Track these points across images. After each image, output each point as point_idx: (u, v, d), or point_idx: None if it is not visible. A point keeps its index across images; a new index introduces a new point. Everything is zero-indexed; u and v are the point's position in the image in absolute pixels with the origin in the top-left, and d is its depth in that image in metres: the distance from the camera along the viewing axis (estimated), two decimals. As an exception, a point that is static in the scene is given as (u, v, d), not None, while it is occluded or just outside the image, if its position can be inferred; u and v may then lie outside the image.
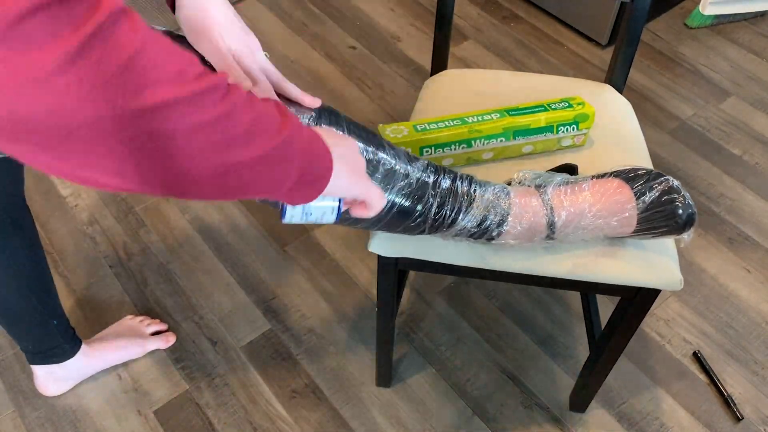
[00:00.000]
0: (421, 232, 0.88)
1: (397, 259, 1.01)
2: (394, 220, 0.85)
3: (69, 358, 1.27)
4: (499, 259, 0.95)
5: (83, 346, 1.29)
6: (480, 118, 1.00)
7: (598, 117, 1.11)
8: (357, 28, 2.13)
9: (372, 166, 0.81)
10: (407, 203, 0.84)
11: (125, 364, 1.38)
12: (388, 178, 0.82)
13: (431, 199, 0.85)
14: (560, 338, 1.43)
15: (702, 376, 1.38)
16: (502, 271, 0.96)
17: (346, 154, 0.67)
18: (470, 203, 0.87)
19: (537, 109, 1.01)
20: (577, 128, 1.03)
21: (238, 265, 1.54)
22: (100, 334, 1.37)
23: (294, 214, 0.68)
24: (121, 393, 1.34)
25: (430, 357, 1.40)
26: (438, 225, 0.87)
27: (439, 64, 1.23)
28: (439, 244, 0.96)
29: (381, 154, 0.82)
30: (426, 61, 2.02)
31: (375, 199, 0.72)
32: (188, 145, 0.50)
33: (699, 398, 1.35)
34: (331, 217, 0.71)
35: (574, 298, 1.50)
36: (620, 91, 1.19)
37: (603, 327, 1.37)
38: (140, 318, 1.41)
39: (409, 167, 0.84)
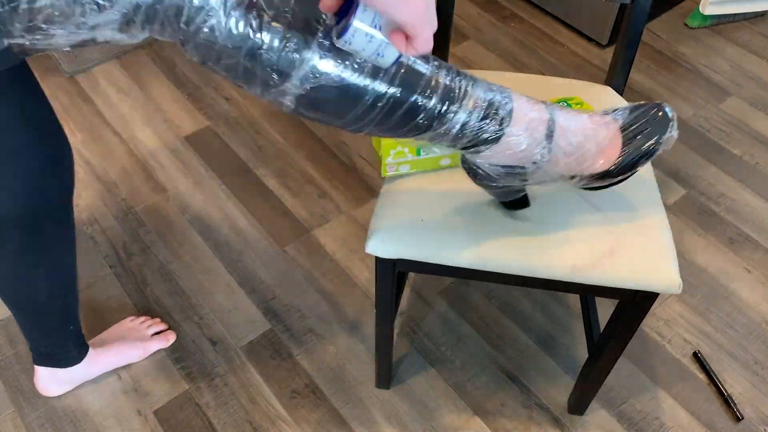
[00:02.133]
0: (416, 130, 0.79)
1: (395, 260, 1.00)
2: (388, 112, 0.76)
3: (75, 365, 1.27)
4: (498, 261, 0.95)
5: (89, 353, 1.29)
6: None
7: (599, 117, 1.11)
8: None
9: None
10: (400, 91, 0.74)
11: (126, 365, 1.38)
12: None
13: (426, 90, 0.76)
14: (560, 338, 1.43)
15: (702, 376, 1.38)
16: (502, 272, 0.96)
17: None
18: (465, 96, 0.78)
19: (537, 110, 1.01)
20: (578, 129, 1.02)
21: (238, 265, 1.54)
22: (102, 336, 1.37)
23: (356, 33, 0.63)
24: (121, 393, 1.34)
25: (430, 357, 1.40)
26: (433, 118, 0.78)
27: (439, 64, 1.23)
28: (436, 245, 0.96)
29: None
30: (426, 60, 2.02)
31: (425, 33, 0.64)
32: None
33: (699, 398, 1.35)
34: (386, 56, 0.66)
35: (574, 298, 1.50)
36: (621, 92, 1.19)
37: (602, 329, 1.38)
38: (141, 319, 1.41)
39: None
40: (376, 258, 1.00)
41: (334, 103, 0.73)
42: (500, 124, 0.80)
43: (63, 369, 1.27)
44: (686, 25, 2.14)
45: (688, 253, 1.58)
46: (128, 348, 1.35)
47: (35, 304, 1.12)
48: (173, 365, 1.38)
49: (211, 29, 0.66)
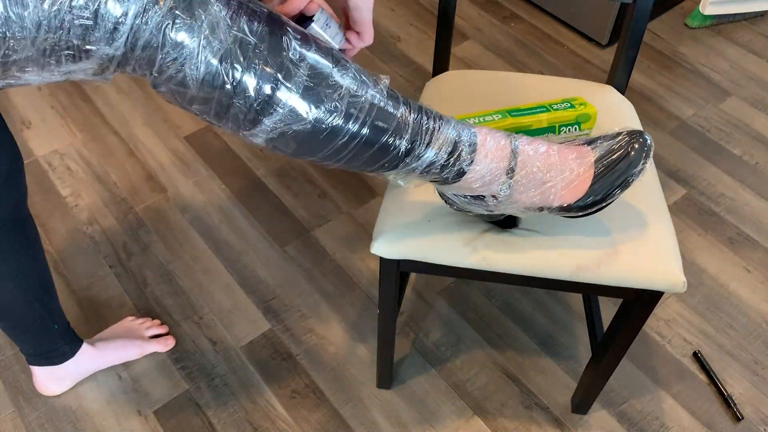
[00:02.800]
0: (385, 167, 0.81)
1: (399, 261, 1.01)
2: (359, 151, 0.78)
3: (69, 359, 1.27)
4: (501, 261, 0.95)
5: (83, 346, 1.29)
6: (482, 119, 0.99)
7: (600, 118, 1.11)
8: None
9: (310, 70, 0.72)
10: (371, 132, 0.76)
11: (125, 365, 1.38)
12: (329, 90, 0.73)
13: (397, 131, 0.78)
14: (560, 338, 1.43)
15: (702, 376, 1.38)
16: (505, 273, 0.96)
17: None
18: (433, 136, 0.80)
19: (539, 110, 1.01)
20: (579, 129, 1.02)
21: (238, 265, 1.54)
22: (100, 335, 1.37)
23: (320, 18, 0.76)
24: (121, 393, 1.34)
25: (431, 357, 1.40)
26: (402, 157, 0.80)
27: (440, 64, 1.23)
28: (440, 246, 0.96)
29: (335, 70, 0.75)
30: (426, 60, 2.02)
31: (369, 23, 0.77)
32: None
33: (699, 398, 1.35)
34: (337, 39, 0.80)
35: (574, 298, 1.50)
36: (622, 92, 1.19)
37: (605, 328, 1.38)
38: (141, 320, 1.41)
39: (368, 90, 0.76)
40: (381, 259, 1.00)
41: (306, 142, 0.74)
42: (463, 163, 0.82)
43: (57, 366, 1.27)
44: (686, 25, 2.14)
45: (688, 253, 1.58)
46: (126, 345, 1.35)
47: (11, 312, 1.13)
48: (173, 365, 1.38)
49: (184, 78, 0.66)
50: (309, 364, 1.39)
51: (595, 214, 0.97)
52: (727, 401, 1.34)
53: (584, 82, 1.19)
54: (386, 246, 0.97)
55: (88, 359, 1.31)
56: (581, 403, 1.29)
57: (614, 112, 1.14)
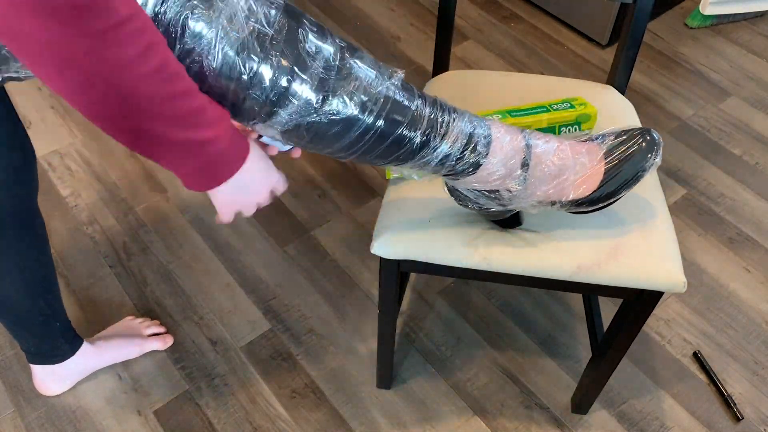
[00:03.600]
0: (399, 160, 0.81)
1: (399, 261, 1.01)
2: (373, 144, 0.78)
3: (69, 358, 1.27)
4: (502, 262, 0.95)
5: (83, 345, 1.29)
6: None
7: (600, 118, 1.11)
8: (357, 28, 2.13)
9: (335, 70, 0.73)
10: (387, 125, 0.77)
11: (125, 365, 1.38)
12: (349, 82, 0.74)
13: (412, 124, 0.78)
14: (560, 338, 1.43)
15: (702, 376, 1.38)
16: (506, 273, 0.96)
17: (247, 180, 0.75)
18: (447, 128, 0.81)
19: (539, 110, 1.01)
20: (579, 129, 1.03)
21: (238, 265, 1.54)
22: (100, 334, 1.37)
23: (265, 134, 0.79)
24: (121, 393, 1.34)
25: (431, 357, 1.40)
26: (417, 150, 0.80)
27: (440, 64, 1.23)
28: (441, 246, 0.96)
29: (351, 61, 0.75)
30: (426, 60, 2.02)
31: (223, 215, 0.80)
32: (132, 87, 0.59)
33: (699, 398, 1.35)
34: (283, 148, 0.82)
35: (574, 298, 1.50)
36: (623, 92, 1.19)
37: (605, 328, 1.38)
38: (140, 319, 1.41)
39: (383, 82, 0.76)
40: (381, 259, 1.00)
41: (321, 134, 0.74)
42: (478, 156, 0.82)
43: (58, 365, 1.27)
44: (686, 25, 2.14)
45: (688, 253, 1.58)
46: (125, 344, 1.35)
47: (13, 309, 1.13)
48: (173, 365, 1.38)
49: (200, 69, 0.67)
50: (309, 364, 1.39)
51: (597, 212, 0.97)
52: (727, 401, 1.34)
53: (584, 82, 1.19)
54: (386, 246, 0.97)
55: (88, 358, 1.31)
56: (581, 403, 1.29)
57: (614, 112, 1.14)
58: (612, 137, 0.88)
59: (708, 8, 2.03)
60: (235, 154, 0.72)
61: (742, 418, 1.32)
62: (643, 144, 0.86)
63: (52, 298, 1.17)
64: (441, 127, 0.80)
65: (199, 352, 1.40)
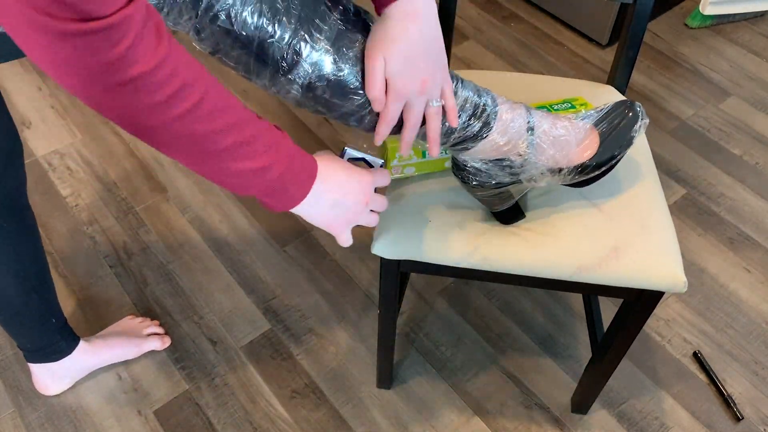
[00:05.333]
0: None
1: (399, 261, 1.01)
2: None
3: (67, 356, 1.27)
4: (502, 262, 0.95)
5: (80, 343, 1.29)
6: None
7: (599, 117, 1.11)
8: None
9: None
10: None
11: (125, 364, 1.38)
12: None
13: None
14: (560, 338, 1.43)
15: (702, 376, 1.38)
16: (506, 273, 0.96)
17: (331, 197, 0.77)
18: (456, 94, 0.82)
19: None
20: (579, 129, 1.02)
21: (238, 265, 1.54)
22: (99, 333, 1.37)
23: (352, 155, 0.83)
24: (121, 393, 1.34)
25: (431, 357, 1.40)
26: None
27: (439, 64, 1.23)
28: (441, 246, 0.96)
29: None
30: (426, 60, 2.02)
31: (340, 236, 0.81)
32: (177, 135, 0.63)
33: (699, 398, 1.35)
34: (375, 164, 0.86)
35: (574, 298, 1.50)
36: (623, 92, 1.19)
37: (605, 328, 1.38)
38: (140, 319, 1.41)
39: None
40: (381, 259, 1.00)
41: (341, 90, 0.76)
42: (486, 123, 0.84)
43: (55, 363, 1.27)
44: (686, 25, 2.14)
45: (688, 253, 1.58)
46: (123, 343, 1.35)
47: (9, 303, 1.12)
48: (173, 365, 1.38)
49: (228, 17, 0.68)
50: (309, 364, 1.39)
51: (599, 213, 0.97)
52: (727, 401, 1.34)
53: (584, 82, 1.19)
54: (387, 246, 0.97)
55: (86, 356, 1.31)
56: (581, 403, 1.29)
57: (614, 112, 1.14)
58: (593, 114, 0.93)
59: (708, 8, 2.03)
60: (301, 176, 0.73)
61: (742, 418, 1.32)
62: (626, 111, 0.91)
63: (46, 292, 1.17)
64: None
65: (199, 352, 1.40)
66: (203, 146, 0.64)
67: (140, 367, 1.38)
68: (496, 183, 0.90)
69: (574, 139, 0.89)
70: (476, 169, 0.89)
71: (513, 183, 0.91)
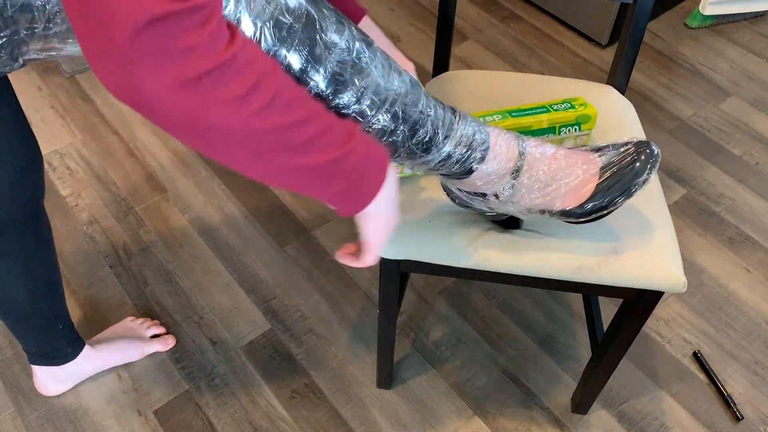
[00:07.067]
0: (397, 156, 0.82)
1: (399, 261, 1.01)
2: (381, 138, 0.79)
3: (71, 361, 1.27)
4: (502, 262, 0.95)
5: (85, 349, 1.29)
6: (482, 119, 0.99)
7: (600, 118, 1.11)
8: (357, 28, 2.12)
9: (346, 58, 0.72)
10: (388, 119, 0.77)
11: (126, 365, 1.37)
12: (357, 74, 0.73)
13: (419, 122, 0.79)
14: (560, 338, 1.43)
15: (702, 376, 1.38)
16: (506, 273, 0.96)
17: (393, 193, 0.73)
18: (451, 130, 0.81)
19: (539, 110, 1.01)
20: (580, 129, 1.02)
21: (238, 265, 1.54)
22: (101, 335, 1.37)
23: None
24: (121, 393, 1.34)
25: (430, 357, 1.40)
26: (422, 148, 0.81)
27: (440, 64, 1.23)
28: (441, 246, 0.96)
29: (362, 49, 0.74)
30: (426, 61, 2.02)
31: (372, 253, 0.77)
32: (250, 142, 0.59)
33: (699, 398, 1.35)
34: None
35: (574, 298, 1.50)
36: (622, 92, 1.19)
37: (605, 328, 1.38)
38: (141, 320, 1.41)
39: (395, 81, 0.76)
40: (381, 259, 1.00)
41: None
42: (474, 161, 0.83)
43: (59, 367, 1.27)
44: (686, 25, 2.14)
45: (688, 253, 1.58)
46: (126, 347, 1.35)
47: (17, 310, 1.12)
48: (173, 365, 1.38)
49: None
50: (309, 364, 1.39)
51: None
52: (727, 401, 1.34)
53: (584, 82, 1.19)
54: (387, 246, 0.97)
55: (90, 361, 1.31)
56: (581, 403, 1.29)
57: (614, 112, 1.14)
58: (610, 150, 0.87)
59: (708, 8, 2.03)
60: (376, 164, 0.70)
61: (742, 418, 1.32)
62: (642, 157, 0.85)
63: (56, 300, 1.16)
64: (445, 128, 0.80)
65: (199, 352, 1.40)
66: (282, 143, 0.60)
67: (140, 367, 1.38)
68: (478, 209, 0.91)
69: (563, 187, 0.85)
70: (455, 194, 0.90)
71: (490, 211, 0.91)
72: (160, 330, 1.41)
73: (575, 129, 1.02)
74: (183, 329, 1.43)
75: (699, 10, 2.08)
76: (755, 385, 1.37)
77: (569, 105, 1.02)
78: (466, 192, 0.88)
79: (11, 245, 1.03)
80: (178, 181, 1.69)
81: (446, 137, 0.80)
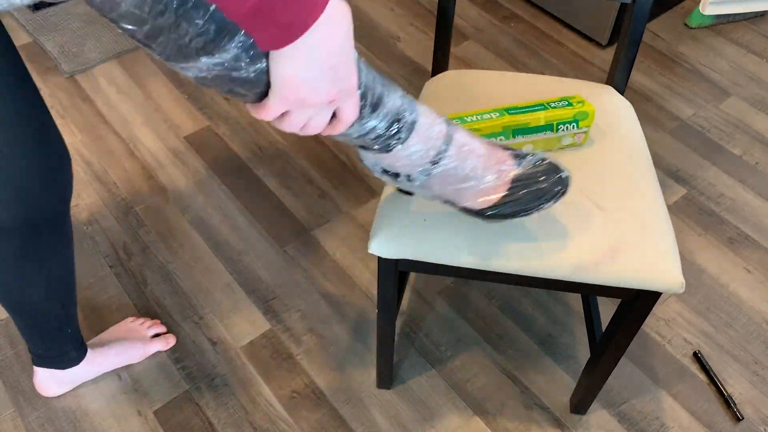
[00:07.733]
0: None
1: (397, 260, 1.01)
2: None
3: (74, 365, 1.27)
4: (501, 261, 0.95)
5: (88, 354, 1.29)
6: (479, 117, 1.00)
7: (599, 117, 1.11)
8: (357, 28, 2.13)
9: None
10: None
11: (125, 365, 1.38)
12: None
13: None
14: (560, 338, 1.43)
15: (702, 376, 1.38)
16: (504, 272, 0.96)
17: (324, 44, 0.59)
18: (380, 102, 0.76)
19: (536, 108, 1.01)
20: (577, 126, 1.02)
21: (238, 265, 1.54)
22: (102, 336, 1.37)
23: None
24: (121, 393, 1.34)
25: (430, 357, 1.40)
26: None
27: (440, 64, 1.23)
28: (440, 245, 0.96)
29: None
30: (426, 60, 2.02)
31: (349, 108, 0.69)
32: None
33: (699, 398, 1.35)
34: None
35: (574, 298, 1.50)
36: (622, 92, 1.19)
37: (604, 328, 1.38)
38: (141, 320, 1.41)
39: None
40: (379, 258, 1.00)
41: (247, 86, 0.67)
42: (398, 140, 0.80)
43: (62, 370, 1.27)
44: (686, 25, 2.14)
45: (688, 253, 1.58)
46: (128, 348, 1.35)
47: (32, 311, 1.12)
48: (173, 365, 1.38)
49: None
50: (309, 364, 1.39)
51: (597, 213, 0.97)
52: (727, 401, 1.34)
53: (584, 82, 1.19)
54: (384, 245, 0.97)
55: (93, 366, 1.31)
56: (581, 403, 1.29)
57: (613, 112, 1.14)
58: (530, 163, 0.87)
59: (708, 8, 2.03)
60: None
61: (742, 418, 1.32)
62: (550, 183, 0.86)
63: (69, 303, 1.16)
64: (374, 98, 0.75)
65: (199, 352, 1.40)
66: None
67: (140, 367, 1.38)
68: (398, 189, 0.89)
69: (475, 187, 0.85)
70: (370, 164, 0.86)
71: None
72: (161, 329, 1.41)
73: (573, 126, 1.02)
74: (183, 329, 1.43)
75: (699, 10, 2.08)
76: (755, 385, 1.37)
77: (567, 102, 1.02)
78: (380, 167, 0.85)
79: (38, 246, 1.02)
80: (178, 181, 1.70)
81: (374, 110, 0.75)
